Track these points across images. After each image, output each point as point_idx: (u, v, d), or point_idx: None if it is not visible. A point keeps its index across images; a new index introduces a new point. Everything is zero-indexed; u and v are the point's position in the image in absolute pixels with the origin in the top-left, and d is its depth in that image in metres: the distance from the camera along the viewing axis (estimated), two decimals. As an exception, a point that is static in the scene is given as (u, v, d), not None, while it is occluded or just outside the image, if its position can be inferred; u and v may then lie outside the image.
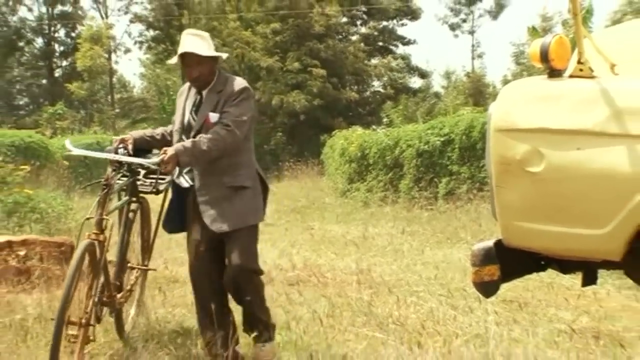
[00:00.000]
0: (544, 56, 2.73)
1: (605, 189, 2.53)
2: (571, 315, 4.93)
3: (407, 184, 13.58)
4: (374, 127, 23.28)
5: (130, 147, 4.01)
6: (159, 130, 4.31)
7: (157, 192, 4.20)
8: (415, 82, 37.77)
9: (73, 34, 40.62)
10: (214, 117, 3.91)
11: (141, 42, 38.46)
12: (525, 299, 5.36)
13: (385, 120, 25.61)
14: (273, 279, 6.37)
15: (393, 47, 37.06)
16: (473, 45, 43.02)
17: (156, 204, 4.33)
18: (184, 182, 4.02)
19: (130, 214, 4.21)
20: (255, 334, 3.94)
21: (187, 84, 4.18)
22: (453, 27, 42.64)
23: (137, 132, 4.25)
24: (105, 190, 3.70)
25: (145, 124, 28.62)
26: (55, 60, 41.86)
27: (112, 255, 4.17)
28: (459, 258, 7.40)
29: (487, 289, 3.03)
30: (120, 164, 3.92)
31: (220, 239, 3.93)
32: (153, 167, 3.89)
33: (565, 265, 3.00)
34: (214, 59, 3.99)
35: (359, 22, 36.98)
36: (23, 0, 41.18)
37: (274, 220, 11.95)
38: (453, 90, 35.64)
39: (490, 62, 77.81)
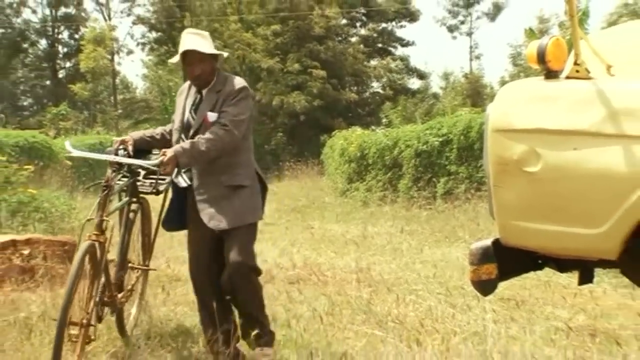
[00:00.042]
0: (541, 57, 2.73)
1: (601, 189, 2.53)
2: (568, 313, 4.92)
3: (405, 183, 13.58)
4: (373, 127, 23.27)
5: (130, 148, 3.99)
6: (159, 130, 4.30)
7: (157, 193, 4.17)
8: (414, 83, 37.87)
9: (76, 36, 40.69)
10: (212, 116, 3.90)
11: (144, 44, 38.59)
12: (523, 297, 5.35)
13: (384, 120, 25.63)
14: (274, 277, 6.38)
15: (392, 49, 37.12)
16: (471, 47, 43.10)
17: (158, 203, 4.33)
18: (182, 181, 4.00)
19: (131, 215, 4.20)
20: (256, 331, 3.88)
21: (187, 83, 4.17)
22: (451, 29, 42.70)
23: (137, 133, 4.24)
24: (106, 192, 3.68)
25: (147, 125, 28.60)
26: (58, 61, 41.90)
27: (113, 254, 4.16)
28: (457, 257, 7.40)
29: (485, 287, 3.03)
30: (120, 165, 3.90)
31: (220, 237, 3.93)
32: (153, 168, 3.87)
33: (562, 264, 3.00)
34: (215, 57, 3.99)
35: (358, 24, 37.04)
36: (27, 2, 41.26)
37: (275, 220, 11.95)
38: (451, 91, 35.65)
39: (488, 63, 77.99)
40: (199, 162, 3.87)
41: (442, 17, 42.68)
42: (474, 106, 20.94)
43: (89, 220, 3.71)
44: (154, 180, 4.12)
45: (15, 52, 40.05)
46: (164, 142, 4.12)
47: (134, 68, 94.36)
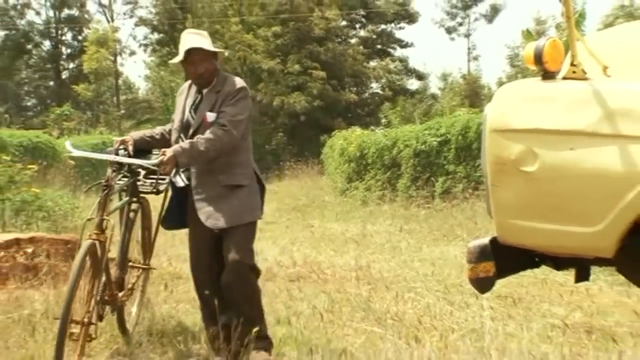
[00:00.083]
0: (538, 59, 2.73)
1: (597, 188, 2.53)
2: (564, 310, 4.92)
3: (404, 183, 13.58)
4: (372, 127, 23.25)
5: (130, 148, 3.97)
6: (158, 129, 4.27)
7: (157, 193, 4.15)
8: (413, 84, 37.85)
9: (80, 37, 40.62)
10: (211, 116, 3.89)
11: (146, 45, 38.59)
12: (520, 294, 5.35)
13: (383, 121, 25.64)
14: (274, 275, 6.38)
15: (391, 50, 37.12)
16: (469, 48, 43.04)
17: (158, 203, 4.32)
18: (180, 181, 3.98)
19: (131, 214, 4.18)
20: (254, 333, 3.80)
21: (187, 83, 4.15)
22: (449, 31, 42.65)
23: (137, 133, 4.22)
24: (106, 191, 3.67)
25: (149, 125, 28.57)
26: (62, 62, 41.88)
27: (114, 253, 4.14)
28: (455, 255, 7.40)
29: (483, 285, 3.03)
30: (120, 165, 3.89)
31: (219, 236, 3.91)
32: (153, 167, 3.86)
33: (558, 262, 3.00)
34: (216, 56, 3.98)
35: (358, 26, 37.05)
36: (31, 4, 41.26)
37: (275, 218, 11.96)
38: (449, 91, 35.66)
39: (486, 64, 78.00)
40: (198, 162, 3.85)
41: (440, 18, 42.67)
42: (472, 107, 20.94)
43: (89, 219, 3.70)
44: (154, 180, 4.10)
45: (20, 54, 40.03)
46: (164, 141, 4.11)
47: (136, 69, 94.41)
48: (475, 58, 44.24)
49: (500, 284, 3.87)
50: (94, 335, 3.57)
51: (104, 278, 3.77)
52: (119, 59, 38.82)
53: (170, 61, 4.30)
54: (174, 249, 7.27)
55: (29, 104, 42.05)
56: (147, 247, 4.49)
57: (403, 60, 36.86)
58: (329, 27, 31.61)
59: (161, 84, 35.05)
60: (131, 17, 41.09)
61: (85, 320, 3.47)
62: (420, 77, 38.10)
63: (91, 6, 74.80)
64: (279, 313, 4.91)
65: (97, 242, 3.59)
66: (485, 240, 2.99)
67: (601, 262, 2.84)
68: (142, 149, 4.07)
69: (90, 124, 32.06)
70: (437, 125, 13.36)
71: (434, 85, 40.58)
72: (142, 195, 4.25)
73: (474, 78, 36.54)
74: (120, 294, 4.06)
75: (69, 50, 41.86)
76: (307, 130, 29.30)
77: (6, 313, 4.75)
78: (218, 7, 32.57)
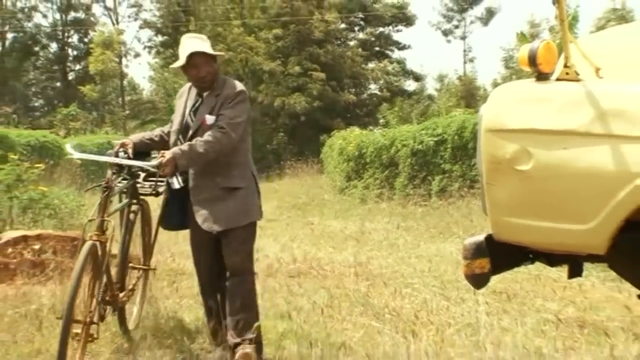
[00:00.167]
0: (532, 60, 2.72)
1: (590, 187, 2.53)
2: (557, 305, 4.92)
3: (402, 181, 13.58)
4: (370, 127, 23.22)
5: (130, 150, 3.92)
6: (157, 131, 4.23)
7: (157, 194, 4.12)
8: (410, 85, 37.83)
9: (86, 40, 40.65)
10: (210, 119, 3.85)
11: (150, 47, 38.55)
12: (514, 290, 5.35)
13: (381, 121, 25.67)
14: (275, 271, 6.38)
15: (389, 52, 37.10)
16: (465, 50, 43.04)
17: (158, 204, 4.30)
18: (176, 183, 3.92)
19: (131, 216, 4.15)
20: (247, 335, 3.74)
21: (187, 86, 4.12)
22: (446, 33, 42.61)
23: (136, 136, 4.18)
24: (106, 193, 3.65)
25: (154, 125, 28.52)
26: (68, 64, 41.88)
27: (115, 249, 4.12)
28: (451, 252, 7.40)
29: (478, 280, 3.02)
30: (120, 167, 3.86)
31: (218, 237, 3.89)
32: (152, 170, 3.82)
33: (552, 258, 3.00)
34: (216, 59, 3.96)
35: (356, 28, 37.02)
36: (38, 7, 41.25)
37: (276, 216, 11.97)
38: (446, 92, 35.65)
39: (481, 66, 77.93)
40: (197, 164, 3.81)
41: (437, 21, 42.59)
42: (467, 107, 20.95)
43: (90, 220, 3.68)
44: (153, 182, 4.06)
45: (27, 55, 40.01)
46: (163, 143, 4.06)
47: (140, 70, 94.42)
48: (471, 60, 44.27)
49: (495, 279, 3.88)
50: (95, 335, 3.54)
51: (105, 279, 3.75)
52: (124, 60, 38.88)
53: (172, 65, 4.27)
54: (177, 246, 7.26)
55: (36, 104, 42.03)
56: (147, 249, 4.46)
57: (400, 62, 36.87)
58: (329, 29, 31.61)
59: (165, 85, 35.06)
60: (136, 20, 41.30)
61: (87, 320, 3.46)
62: (418, 78, 38.10)
63: (97, 9, 74.57)
64: (279, 308, 4.92)
65: (98, 243, 3.57)
66: (481, 237, 2.98)
67: (593, 258, 2.83)
68: (142, 151, 4.03)
69: (96, 124, 32.06)
70: (433, 125, 13.36)
71: (431, 87, 40.65)
72: (141, 197, 4.22)
73: (470, 79, 36.51)
74: (121, 295, 4.03)
75: (75, 52, 41.89)
76: (307, 130, 29.29)
77: (14, 308, 4.75)
78: (220, 10, 32.53)
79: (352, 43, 36.06)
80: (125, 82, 40.08)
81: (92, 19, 41.86)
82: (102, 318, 3.76)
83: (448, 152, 12.48)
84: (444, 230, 9.28)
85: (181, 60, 3.89)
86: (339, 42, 34.64)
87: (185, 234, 4.19)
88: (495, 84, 26.03)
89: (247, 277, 3.89)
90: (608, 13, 29.37)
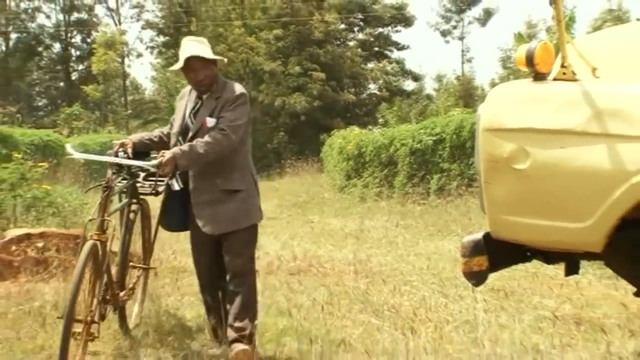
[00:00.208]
0: (530, 60, 2.72)
1: (586, 185, 2.53)
2: (554, 302, 4.92)
3: (401, 180, 13.58)
4: (370, 127, 23.24)
5: (129, 150, 3.89)
6: (156, 132, 4.21)
7: (157, 194, 4.08)
8: (409, 85, 37.79)
9: (88, 40, 40.59)
10: (210, 121, 3.83)
11: (152, 48, 38.50)
12: (512, 287, 5.35)
13: (380, 120, 25.67)
14: (275, 269, 6.37)
15: (388, 52, 37.05)
16: (463, 51, 43.07)
17: (158, 204, 4.28)
18: (176, 185, 3.88)
19: (131, 215, 4.12)
20: (241, 333, 3.75)
21: (188, 88, 4.09)
22: (444, 34, 42.59)
23: (136, 136, 4.15)
24: (107, 193, 3.64)
25: (156, 124, 28.49)
26: (71, 64, 41.83)
27: (115, 248, 4.11)
28: (450, 249, 7.40)
29: (476, 278, 3.02)
30: (120, 166, 3.83)
31: (219, 239, 3.88)
32: (152, 169, 3.79)
33: (549, 256, 3.00)
34: (215, 63, 3.93)
35: (356, 29, 36.97)
36: (42, 8, 41.22)
37: (277, 214, 11.97)
38: (444, 92, 35.62)
39: (479, 66, 77.78)
40: (197, 165, 3.78)
41: (435, 22, 42.54)
42: (465, 107, 20.93)
43: (91, 220, 3.67)
44: (153, 182, 4.02)
45: (31, 56, 39.97)
46: (162, 144, 4.03)
47: (143, 70, 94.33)
48: (469, 60, 44.28)
49: (493, 277, 3.86)
50: (96, 334, 3.53)
51: (105, 278, 3.73)
52: (126, 60, 38.83)
53: (171, 68, 4.25)
54: (178, 244, 7.25)
55: (40, 104, 41.98)
56: (147, 248, 4.44)
57: (399, 62, 36.83)
58: (329, 30, 31.59)
59: (167, 84, 35.00)
60: (138, 20, 41.11)
61: (88, 319, 3.45)
62: (416, 78, 38.07)
63: (99, 10, 74.48)
64: (280, 305, 4.92)
65: (98, 243, 3.55)
66: (479, 235, 2.98)
67: (590, 256, 2.84)
68: (141, 151, 4.00)
69: (99, 123, 32.01)
70: (432, 124, 13.36)
71: (429, 87, 40.57)
72: (141, 196, 4.20)
73: (468, 79, 36.47)
74: (121, 294, 4.02)
75: (78, 53, 41.85)
76: (307, 130, 29.27)
77: (18, 305, 4.75)
78: (221, 11, 32.49)
79: (351, 43, 36.02)
80: (127, 82, 40.05)
81: (94, 19, 41.87)
82: (102, 317, 3.74)
83: (446, 151, 12.47)
84: (442, 228, 9.28)
85: (179, 64, 3.87)
86: (338, 42, 34.61)
87: (186, 232, 4.18)
88: (493, 84, 26.01)
89: (247, 278, 3.88)
90: (604, 14, 29.35)
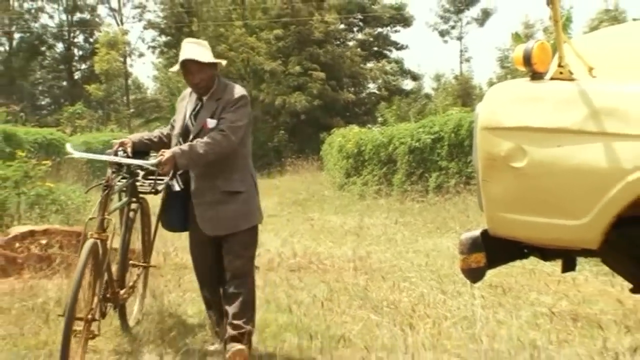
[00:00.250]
0: (527, 60, 2.72)
1: (583, 183, 2.53)
2: (551, 299, 4.93)
3: (399, 178, 13.58)
4: (369, 125, 23.17)
5: (129, 149, 3.87)
6: (156, 132, 4.19)
7: (156, 193, 4.06)
8: (408, 85, 37.80)
9: (91, 40, 40.58)
10: (211, 123, 3.81)
11: (154, 47, 38.49)
12: (509, 284, 5.35)
13: (379, 119, 25.63)
14: (276, 265, 6.38)
15: (387, 52, 37.08)
16: (461, 50, 43.03)
17: (158, 202, 4.27)
18: (176, 185, 3.88)
19: (131, 214, 4.11)
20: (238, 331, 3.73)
21: (188, 90, 4.07)
22: (443, 34, 42.53)
23: (136, 136, 4.14)
24: (106, 191, 3.63)
25: (158, 123, 28.52)
26: (74, 63, 41.83)
27: (116, 243, 4.10)
28: (448, 246, 7.40)
29: (474, 275, 3.02)
30: (120, 165, 3.82)
31: (219, 240, 3.87)
32: (151, 168, 3.78)
33: (546, 253, 2.99)
34: (214, 65, 3.89)
35: (355, 29, 36.97)
36: (45, 8, 41.18)
37: (277, 212, 11.97)
38: (442, 91, 35.58)
39: (477, 65, 77.97)
40: (197, 165, 3.76)
41: (434, 22, 42.49)
42: (464, 106, 20.94)
43: (91, 219, 3.65)
44: (152, 181, 4.00)
45: (34, 55, 39.97)
46: (162, 144, 4.01)
47: (145, 70, 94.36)
48: (467, 60, 44.17)
49: (490, 274, 3.87)
50: (96, 332, 3.53)
51: (106, 276, 3.73)
52: (128, 60, 38.77)
53: (170, 69, 4.24)
54: (180, 241, 7.23)
55: (43, 103, 41.99)
56: (147, 246, 4.43)
57: (398, 62, 36.85)
58: (328, 30, 31.59)
59: (169, 84, 34.95)
60: (140, 20, 41.01)
61: (89, 317, 3.44)
62: (415, 77, 38.10)
63: (102, 10, 74.44)
64: (280, 301, 4.92)
65: (99, 241, 3.54)
66: (477, 232, 2.98)
67: (587, 253, 2.83)
68: (141, 150, 3.98)
69: (102, 122, 32.00)
70: (430, 123, 13.36)
71: (428, 86, 40.55)
72: (141, 195, 4.19)
73: (466, 79, 36.49)
74: (121, 292, 4.01)
75: (80, 52, 41.86)
76: (307, 128, 29.29)
77: (21, 301, 4.76)
78: (222, 12, 32.49)
79: (351, 43, 36.02)
80: (129, 81, 40.03)
81: (97, 19, 41.88)
82: (103, 315, 3.73)
83: (445, 150, 12.47)
84: (440, 226, 9.28)
85: (176, 66, 3.87)
86: (338, 42, 34.61)
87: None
88: (491, 83, 25.98)
89: (247, 279, 3.87)
90: (601, 14, 29.32)
